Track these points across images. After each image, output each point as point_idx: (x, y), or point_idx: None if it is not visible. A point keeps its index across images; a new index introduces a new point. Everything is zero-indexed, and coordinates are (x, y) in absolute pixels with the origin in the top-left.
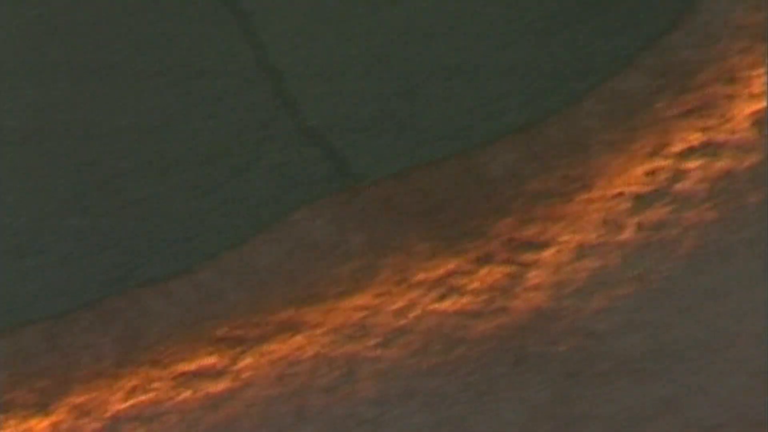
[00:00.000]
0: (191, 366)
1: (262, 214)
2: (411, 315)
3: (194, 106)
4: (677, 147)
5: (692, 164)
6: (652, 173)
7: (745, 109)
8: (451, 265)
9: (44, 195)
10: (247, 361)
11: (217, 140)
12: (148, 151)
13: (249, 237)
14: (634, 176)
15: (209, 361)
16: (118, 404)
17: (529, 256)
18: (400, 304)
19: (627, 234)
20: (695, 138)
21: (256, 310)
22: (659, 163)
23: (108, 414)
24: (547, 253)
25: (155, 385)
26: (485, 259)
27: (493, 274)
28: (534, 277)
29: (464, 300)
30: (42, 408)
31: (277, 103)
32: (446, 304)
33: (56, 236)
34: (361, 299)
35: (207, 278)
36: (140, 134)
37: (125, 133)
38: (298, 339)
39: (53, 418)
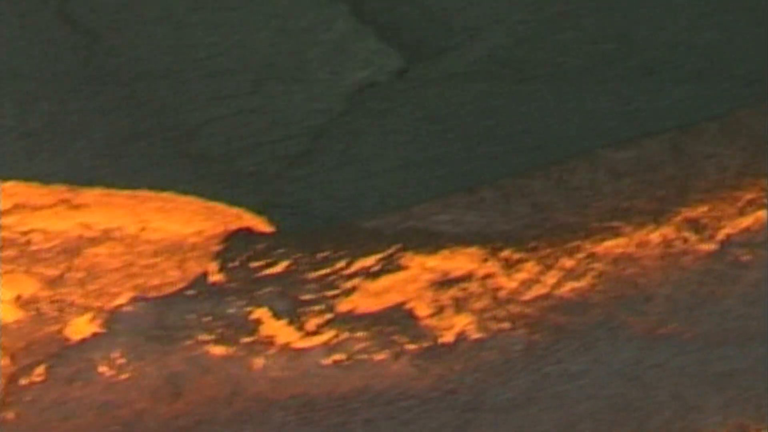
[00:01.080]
0: None
1: None
2: None
3: None
4: None
5: None
6: None
7: None
8: None
9: (679, 11)
10: None
11: None
12: None
13: None
14: None
15: None
16: (730, 223)
17: None
18: None
19: None
20: None
21: None
22: None
23: (719, 236)
24: None
25: None
26: None
27: None
28: None
29: None
30: (656, 218)
31: None
32: None
33: (689, 51)
34: None
35: None
36: None
37: None
38: None
39: (664, 231)
